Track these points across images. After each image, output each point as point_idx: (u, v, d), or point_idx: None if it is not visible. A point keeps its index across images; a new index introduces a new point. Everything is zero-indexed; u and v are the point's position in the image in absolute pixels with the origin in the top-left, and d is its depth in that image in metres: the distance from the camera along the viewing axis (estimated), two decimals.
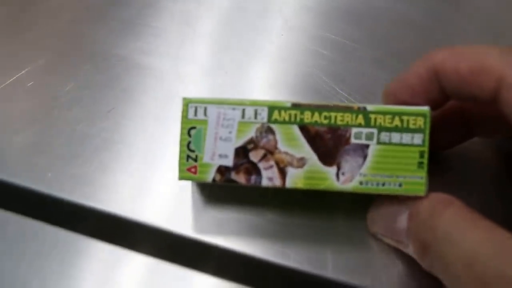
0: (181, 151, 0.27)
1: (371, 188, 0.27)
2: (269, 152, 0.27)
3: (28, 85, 0.35)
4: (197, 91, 0.34)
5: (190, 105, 0.27)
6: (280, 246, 0.32)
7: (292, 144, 0.27)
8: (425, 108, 0.27)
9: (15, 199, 0.34)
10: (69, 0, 0.37)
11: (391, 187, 0.27)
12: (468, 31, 0.34)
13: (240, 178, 0.27)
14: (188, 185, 0.33)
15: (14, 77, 0.35)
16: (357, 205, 0.32)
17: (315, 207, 0.32)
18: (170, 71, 0.35)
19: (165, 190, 0.33)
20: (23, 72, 0.35)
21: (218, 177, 0.27)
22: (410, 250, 0.27)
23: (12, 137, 0.34)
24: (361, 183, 0.27)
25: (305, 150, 0.27)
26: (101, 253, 0.33)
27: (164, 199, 0.33)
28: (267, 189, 0.32)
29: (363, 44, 0.34)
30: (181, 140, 0.27)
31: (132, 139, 0.34)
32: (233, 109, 0.27)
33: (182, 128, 0.27)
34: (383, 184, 0.27)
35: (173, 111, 0.34)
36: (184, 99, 0.27)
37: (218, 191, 0.33)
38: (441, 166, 0.32)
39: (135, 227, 0.33)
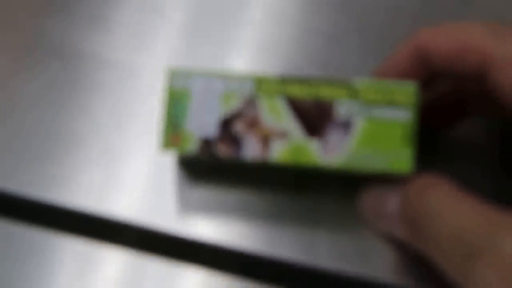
0: (165, 120, 0.27)
1: (357, 165, 0.26)
2: (253, 124, 0.27)
3: None
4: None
5: (175, 75, 0.27)
6: (270, 234, 0.32)
7: (277, 117, 0.27)
8: (413, 82, 0.26)
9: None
10: None
11: (377, 164, 0.26)
12: (471, 20, 0.33)
13: (223, 150, 0.27)
14: (167, 171, 0.33)
15: None
16: (347, 190, 0.32)
17: (303, 194, 0.32)
18: (143, 65, 0.34)
19: (142, 182, 0.33)
20: None
21: (201, 148, 0.27)
22: (400, 232, 0.27)
23: None
24: (346, 159, 0.26)
25: (290, 124, 0.26)
26: (74, 249, 0.33)
27: (141, 190, 0.33)
28: (250, 175, 0.32)
29: (352, 33, 0.33)
30: (166, 110, 0.27)
31: (104, 136, 0.33)
32: (219, 80, 0.27)
33: (166, 98, 0.27)
34: (369, 161, 0.26)
35: (148, 107, 0.33)
36: (170, 69, 0.27)
37: (200, 175, 0.32)
38: (434, 146, 0.32)
39: (110, 221, 0.33)
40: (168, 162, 0.33)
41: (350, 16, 0.33)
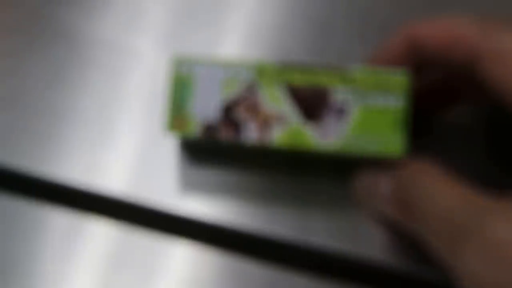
0: (170, 104, 0.28)
1: (352, 149, 0.27)
2: (254, 109, 0.28)
3: None
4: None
5: (180, 63, 0.28)
6: (266, 214, 0.33)
7: (276, 102, 0.28)
8: (405, 71, 0.28)
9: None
10: None
11: (371, 149, 0.27)
12: (458, 3, 0.34)
13: (224, 134, 0.28)
14: (167, 151, 0.34)
15: None
16: (341, 173, 0.33)
17: (299, 176, 0.33)
18: (141, 47, 0.35)
19: (142, 160, 0.34)
20: None
21: (203, 132, 0.28)
22: (392, 212, 0.28)
23: None
24: (342, 143, 0.28)
25: (289, 109, 0.28)
26: (69, 224, 0.34)
27: (141, 169, 0.34)
28: (249, 157, 0.33)
29: (344, 19, 0.34)
30: (171, 95, 0.28)
31: (106, 115, 0.34)
32: (221, 68, 0.28)
33: (171, 84, 0.28)
34: (364, 145, 0.27)
35: (147, 87, 0.34)
36: (175, 57, 0.28)
37: (201, 157, 0.34)
38: (427, 131, 0.33)
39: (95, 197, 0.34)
40: (168, 143, 0.34)
41: (341, 2, 0.34)
